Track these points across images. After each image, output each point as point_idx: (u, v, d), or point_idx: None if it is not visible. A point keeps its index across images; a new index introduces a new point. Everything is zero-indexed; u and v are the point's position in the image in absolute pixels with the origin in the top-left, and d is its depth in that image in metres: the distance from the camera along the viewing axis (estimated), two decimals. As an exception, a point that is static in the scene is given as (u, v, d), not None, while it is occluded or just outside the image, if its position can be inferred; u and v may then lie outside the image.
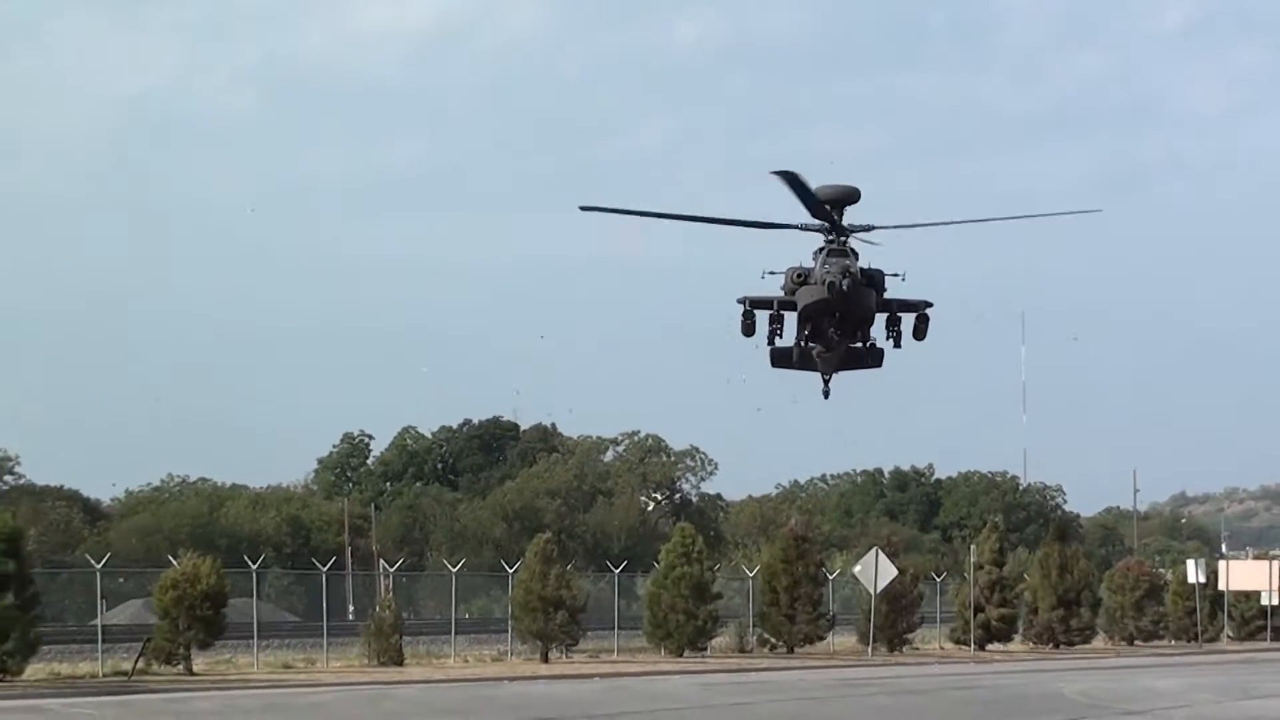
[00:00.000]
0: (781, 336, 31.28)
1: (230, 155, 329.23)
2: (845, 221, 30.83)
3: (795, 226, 30.66)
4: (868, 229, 30.97)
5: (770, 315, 31.06)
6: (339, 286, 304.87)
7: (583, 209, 31.27)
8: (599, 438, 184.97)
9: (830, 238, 30.65)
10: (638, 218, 31.95)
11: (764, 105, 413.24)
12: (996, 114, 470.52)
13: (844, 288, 29.97)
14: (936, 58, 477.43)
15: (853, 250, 30.82)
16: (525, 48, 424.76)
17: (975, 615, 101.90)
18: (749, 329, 31.10)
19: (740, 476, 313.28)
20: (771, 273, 30.56)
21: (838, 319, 30.87)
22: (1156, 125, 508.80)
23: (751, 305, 31.26)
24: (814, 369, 32.29)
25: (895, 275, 31.52)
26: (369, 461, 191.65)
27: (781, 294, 30.83)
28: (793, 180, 29.67)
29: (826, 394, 32.70)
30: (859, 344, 31.83)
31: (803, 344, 31.29)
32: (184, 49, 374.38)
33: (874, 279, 31.37)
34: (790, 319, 31.22)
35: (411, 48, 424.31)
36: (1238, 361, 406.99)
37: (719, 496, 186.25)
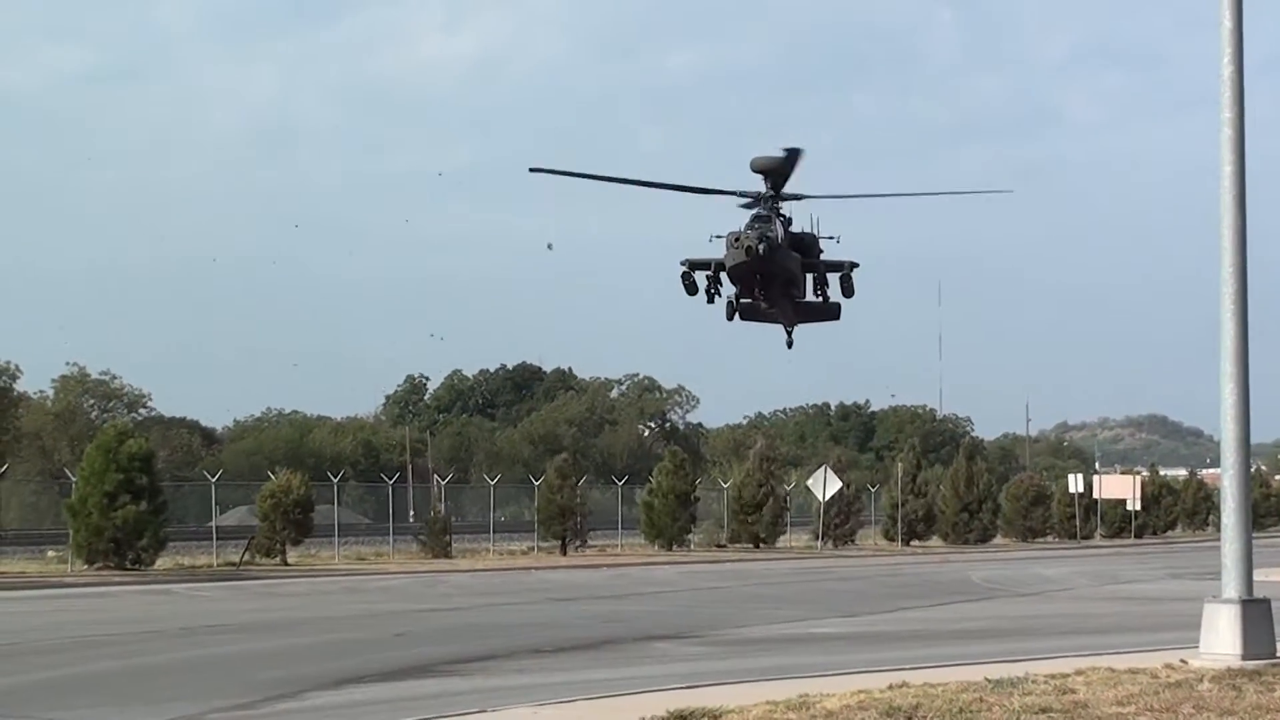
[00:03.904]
0: (720, 295, 28.32)
1: (320, 152, 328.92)
2: (781, 190, 28.81)
3: (732, 193, 28.68)
4: (798, 198, 29.04)
5: (707, 276, 28.00)
6: (406, 256, 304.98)
7: (532, 170, 28.82)
8: (606, 379, 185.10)
9: (764, 204, 28.75)
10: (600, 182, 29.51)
11: (738, 118, 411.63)
12: (920, 123, 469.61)
13: (760, 251, 27.00)
14: (873, 80, 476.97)
15: (783, 216, 28.03)
16: (549, 72, 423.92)
17: (900, 517, 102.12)
18: (691, 288, 28.06)
19: (718, 409, 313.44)
20: (717, 236, 27.64)
21: (760, 279, 27.86)
22: (1044, 132, 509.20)
23: (691, 267, 28.09)
24: (776, 321, 30.58)
25: (830, 238, 28.78)
26: (425, 397, 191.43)
27: (720, 257, 27.71)
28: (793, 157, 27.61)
29: (790, 344, 30.84)
30: (788, 300, 29.76)
31: (733, 300, 28.32)
32: (281, 73, 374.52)
33: (804, 242, 28.64)
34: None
35: (460, 72, 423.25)
36: (1106, 315, 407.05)
37: (700, 425, 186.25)
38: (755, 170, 27.72)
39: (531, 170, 27.57)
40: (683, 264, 28.33)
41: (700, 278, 28.17)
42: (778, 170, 27.62)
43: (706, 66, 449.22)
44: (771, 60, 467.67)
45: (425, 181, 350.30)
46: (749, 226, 27.42)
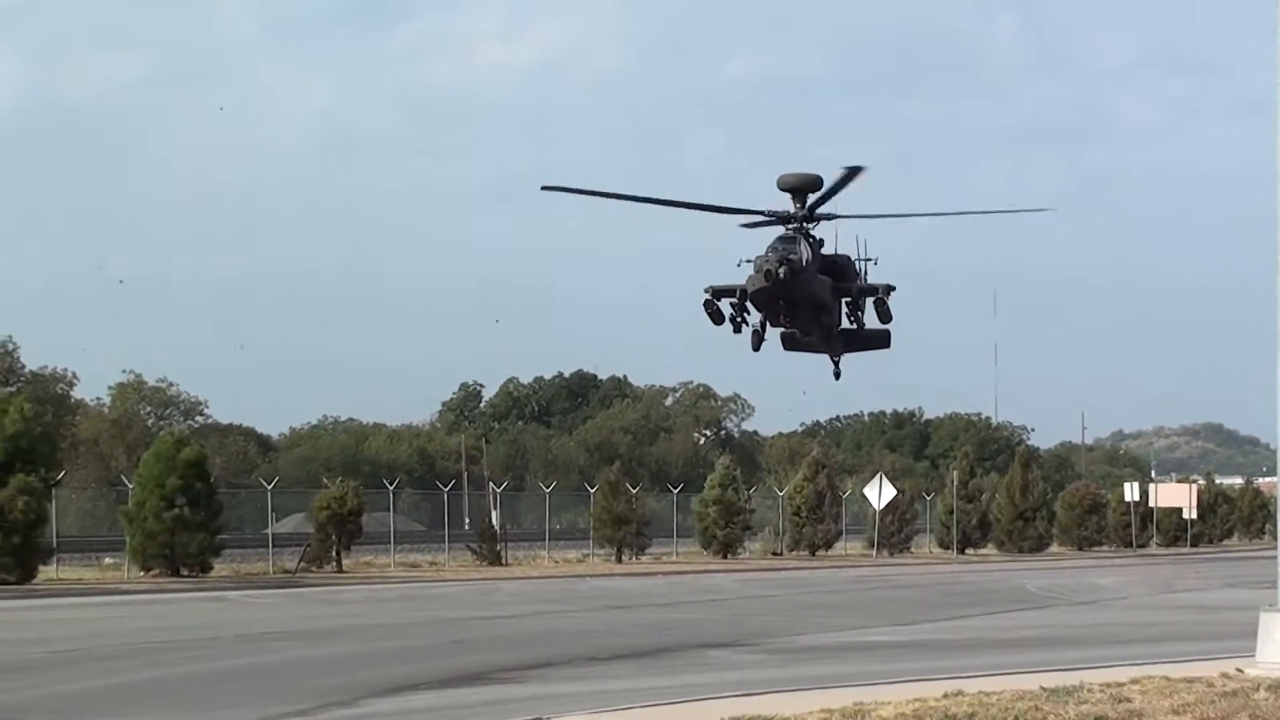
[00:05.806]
0: (748, 324, 26.28)
1: (378, 160, 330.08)
2: (815, 209, 26.00)
3: (760, 213, 27.34)
4: (830, 218, 26.16)
5: (732, 303, 26.03)
6: (463, 264, 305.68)
7: (544, 189, 26.09)
8: (661, 386, 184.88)
9: (790, 225, 25.86)
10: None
11: (795, 123, 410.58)
12: (976, 130, 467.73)
13: (780, 275, 25.10)
14: (930, 87, 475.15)
15: (811, 237, 26.05)
16: (608, 79, 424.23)
17: (955, 525, 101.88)
18: (716, 317, 26.12)
19: (773, 417, 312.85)
20: (747, 260, 25.63)
21: (784, 305, 25.90)
22: (1104, 139, 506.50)
23: (715, 294, 26.15)
24: (819, 351, 27.80)
25: (869, 260, 27.00)
26: (481, 405, 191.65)
27: (744, 283, 25.83)
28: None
29: (837, 375, 28.14)
30: (819, 328, 26.76)
31: (759, 329, 26.34)
32: (337, 82, 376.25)
33: (836, 264, 26.73)
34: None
35: (518, 79, 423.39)
36: (1163, 323, 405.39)
37: (756, 433, 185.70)
38: (783, 188, 26.17)
39: (544, 189, 26.15)
40: (706, 291, 26.50)
41: (726, 305, 26.34)
42: (809, 188, 25.96)
43: (765, 72, 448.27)
44: (828, 66, 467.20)
45: (478, 188, 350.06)
46: (771, 249, 25.77)
